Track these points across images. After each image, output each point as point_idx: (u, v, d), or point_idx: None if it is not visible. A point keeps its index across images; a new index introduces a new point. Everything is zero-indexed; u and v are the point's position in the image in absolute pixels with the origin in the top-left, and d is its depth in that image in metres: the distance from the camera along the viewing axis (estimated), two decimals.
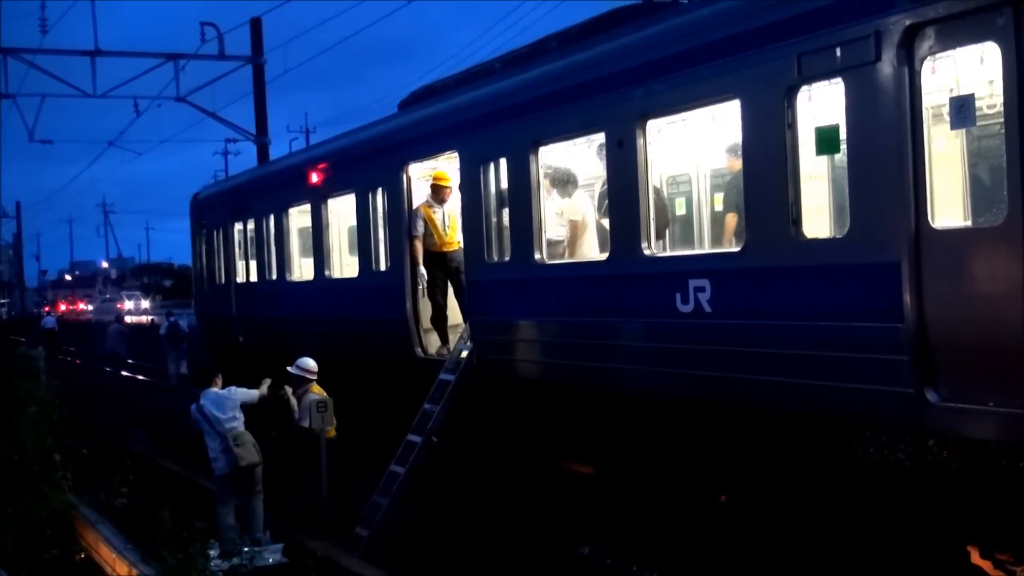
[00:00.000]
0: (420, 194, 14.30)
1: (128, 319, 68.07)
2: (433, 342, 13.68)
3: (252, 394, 12.38)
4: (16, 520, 12.13)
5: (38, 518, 12.39)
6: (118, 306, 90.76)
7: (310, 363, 12.94)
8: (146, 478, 15.93)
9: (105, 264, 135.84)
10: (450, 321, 13.76)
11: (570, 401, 11.50)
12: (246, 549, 11.36)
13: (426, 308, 13.87)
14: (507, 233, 11.96)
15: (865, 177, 7.72)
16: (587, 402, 11.21)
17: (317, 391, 12.78)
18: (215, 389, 12.19)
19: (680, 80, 9.40)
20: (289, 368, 12.94)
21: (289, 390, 12.83)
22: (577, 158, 12.22)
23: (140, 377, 34.08)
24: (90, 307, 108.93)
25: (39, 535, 12.08)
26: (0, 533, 11.91)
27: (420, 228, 13.49)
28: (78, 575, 11.84)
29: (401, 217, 13.96)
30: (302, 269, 18.11)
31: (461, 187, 12.78)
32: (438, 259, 13.54)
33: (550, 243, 11.70)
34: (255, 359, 19.99)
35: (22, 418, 14.70)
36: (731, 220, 10.35)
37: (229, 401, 12.04)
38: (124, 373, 36.43)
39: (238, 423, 11.93)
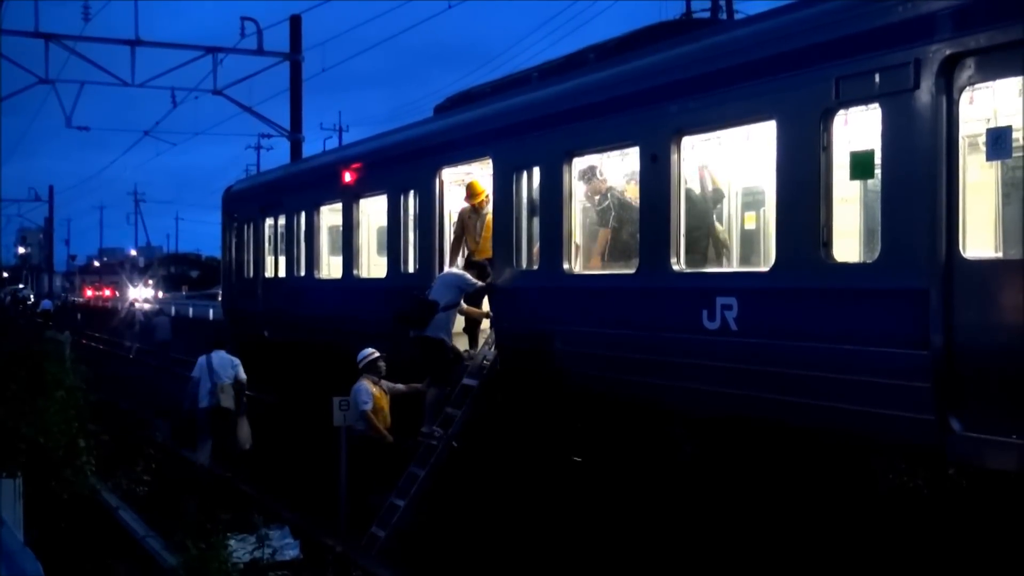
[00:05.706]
0: (452, 198, 14.39)
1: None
2: (461, 347, 13.73)
3: (243, 376, 15.97)
4: (39, 503, 12.23)
5: (60, 502, 12.48)
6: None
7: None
8: (168, 468, 16.02)
9: (133, 252, 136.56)
10: None
11: (592, 410, 11.53)
12: (267, 542, 11.47)
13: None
14: (537, 241, 12.03)
15: (898, 203, 7.75)
16: (609, 412, 11.25)
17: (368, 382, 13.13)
18: (223, 352, 16.02)
19: (717, 98, 9.45)
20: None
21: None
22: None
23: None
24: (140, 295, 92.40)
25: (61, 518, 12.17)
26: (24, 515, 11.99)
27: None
28: (99, 557, 11.92)
29: (432, 220, 14.04)
30: (330, 267, 18.23)
31: (493, 193, 12.85)
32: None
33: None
34: (280, 354, 20.14)
35: (48, 402, 14.81)
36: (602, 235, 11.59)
37: (230, 363, 15.90)
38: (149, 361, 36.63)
39: (229, 380, 15.66)
